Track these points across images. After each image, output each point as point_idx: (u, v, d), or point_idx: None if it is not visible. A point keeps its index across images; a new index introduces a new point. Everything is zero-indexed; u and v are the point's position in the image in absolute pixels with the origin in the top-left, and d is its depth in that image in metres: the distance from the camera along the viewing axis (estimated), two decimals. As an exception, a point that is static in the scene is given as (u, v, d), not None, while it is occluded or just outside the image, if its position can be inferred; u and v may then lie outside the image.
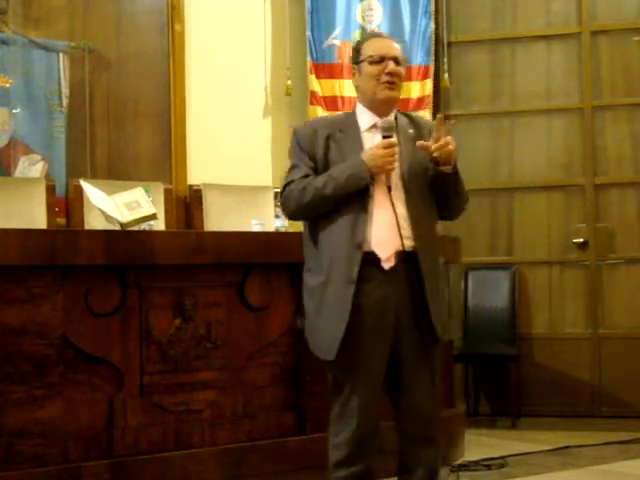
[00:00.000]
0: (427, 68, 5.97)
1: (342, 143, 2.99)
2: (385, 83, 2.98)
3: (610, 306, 5.87)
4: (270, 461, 3.80)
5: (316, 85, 5.81)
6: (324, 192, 2.91)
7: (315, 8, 5.86)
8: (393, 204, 2.90)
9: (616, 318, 5.86)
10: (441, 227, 6.20)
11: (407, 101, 5.91)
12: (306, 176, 2.98)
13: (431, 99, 5.97)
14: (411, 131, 3.04)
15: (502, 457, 4.56)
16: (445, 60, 6.07)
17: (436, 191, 3.02)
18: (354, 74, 3.09)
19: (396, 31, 5.95)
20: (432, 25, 6.00)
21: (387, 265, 2.90)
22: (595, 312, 5.88)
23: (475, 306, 5.94)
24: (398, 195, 2.94)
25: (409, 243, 2.92)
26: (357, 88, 3.10)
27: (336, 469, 2.99)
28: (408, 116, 3.13)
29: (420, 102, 5.92)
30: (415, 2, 5.99)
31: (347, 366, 2.92)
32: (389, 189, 2.91)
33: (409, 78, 5.93)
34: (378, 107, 3.02)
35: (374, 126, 3.01)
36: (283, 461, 3.83)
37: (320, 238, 2.97)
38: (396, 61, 3.00)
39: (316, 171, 2.99)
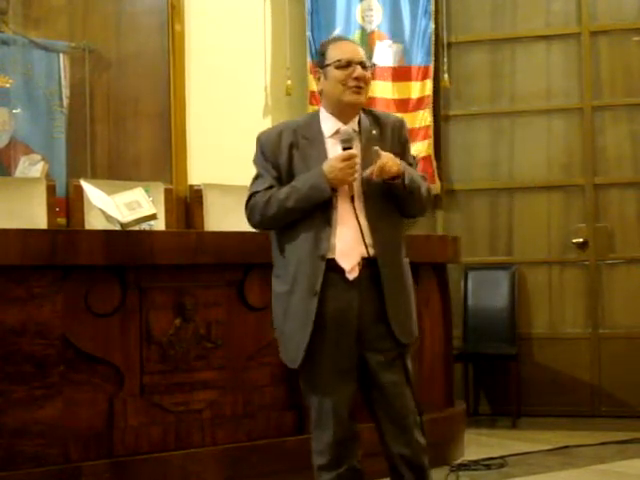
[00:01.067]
0: (427, 68, 5.97)
1: (306, 151, 2.97)
2: (352, 87, 2.95)
3: (610, 306, 5.88)
4: (270, 461, 3.81)
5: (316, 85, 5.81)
6: (287, 204, 2.92)
7: (315, 8, 5.87)
8: (356, 213, 2.91)
9: (616, 318, 5.86)
10: (441, 227, 6.24)
11: (407, 101, 5.92)
12: (270, 187, 2.98)
13: (431, 99, 5.97)
14: (374, 132, 3.02)
15: (502, 457, 4.57)
16: (445, 60, 6.07)
17: (396, 196, 3.00)
18: (318, 78, 3.05)
19: (396, 31, 5.96)
20: (432, 25, 6.00)
21: (351, 276, 2.92)
22: (595, 312, 5.89)
23: (475, 306, 5.95)
24: (361, 203, 2.94)
25: (372, 251, 2.93)
26: (321, 92, 3.06)
27: (321, 473, 3.00)
28: (373, 115, 3.10)
29: (420, 102, 5.93)
30: (415, 2, 5.99)
31: (314, 373, 2.95)
32: (352, 199, 2.92)
33: (409, 78, 5.94)
34: (342, 111, 2.99)
35: (338, 132, 2.98)
36: (283, 461, 3.83)
37: (285, 248, 2.98)
38: (362, 65, 2.98)
39: (280, 180, 2.99)
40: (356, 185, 2.93)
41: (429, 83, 5.97)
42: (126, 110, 5.46)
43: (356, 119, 3.02)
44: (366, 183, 2.94)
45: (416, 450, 3.01)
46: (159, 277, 3.67)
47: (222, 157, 5.62)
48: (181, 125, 5.57)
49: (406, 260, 3.07)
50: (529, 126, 6.07)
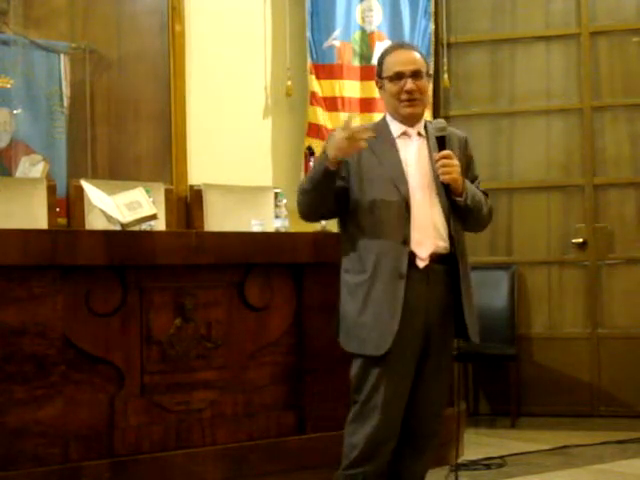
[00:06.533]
0: (427, 69, 5.97)
1: (376, 147, 3.02)
2: (405, 101, 3.02)
3: (609, 306, 5.89)
4: (270, 461, 3.81)
5: (316, 86, 5.82)
6: (305, 187, 3.01)
7: (315, 9, 5.87)
8: (432, 206, 2.99)
9: (615, 318, 5.87)
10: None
11: (407, 101, 5.92)
12: None
13: (431, 99, 5.97)
14: (446, 133, 3.10)
15: (501, 456, 4.58)
16: (445, 61, 6.08)
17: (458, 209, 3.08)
18: (379, 88, 3.14)
19: (396, 32, 5.97)
20: (432, 26, 6.02)
21: (422, 264, 2.96)
22: (594, 312, 5.90)
23: (475, 306, 5.94)
24: (435, 199, 3.01)
25: (445, 245, 3.00)
26: (383, 101, 3.17)
27: (349, 468, 2.99)
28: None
29: (420, 102, 5.93)
30: (415, 3, 6.00)
31: (382, 362, 2.93)
32: (429, 194, 2.99)
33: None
34: (404, 120, 3.08)
35: (404, 133, 3.08)
36: (283, 461, 3.84)
37: (362, 237, 3.00)
38: (415, 74, 3.03)
39: (345, 179, 3.02)
40: (431, 180, 3.01)
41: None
42: (126, 110, 5.46)
43: (421, 124, 3.11)
44: (441, 181, 3.00)
45: (433, 444, 3.13)
46: (159, 277, 3.67)
47: (222, 157, 5.63)
48: (181, 125, 5.58)
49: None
50: (529, 126, 6.08)
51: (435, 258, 2.98)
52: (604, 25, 5.97)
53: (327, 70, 5.85)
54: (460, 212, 3.03)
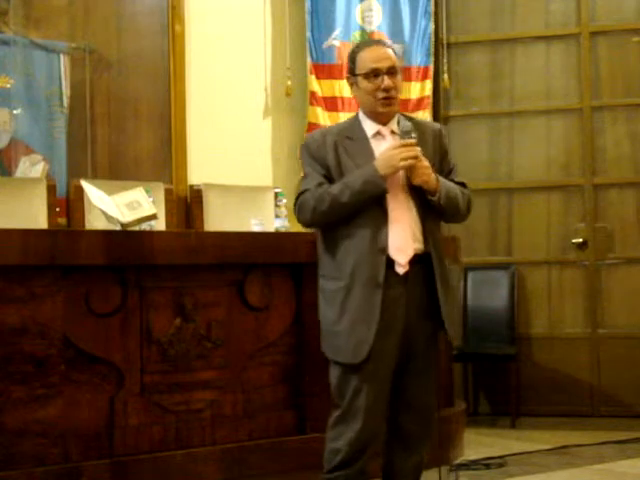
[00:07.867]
0: (427, 69, 5.99)
1: (350, 150, 3.00)
2: (381, 100, 2.99)
3: (609, 306, 5.89)
4: (270, 461, 3.81)
5: (316, 86, 5.82)
6: (341, 199, 2.93)
7: (315, 9, 5.88)
8: (408, 210, 2.96)
9: (615, 318, 5.88)
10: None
11: (407, 102, 5.93)
12: (320, 184, 2.99)
13: (430, 100, 5.98)
14: (414, 135, 3.04)
15: (501, 456, 4.59)
16: (445, 61, 6.08)
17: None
18: (351, 84, 3.09)
19: (396, 32, 5.97)
20: (432, 26, 6.02)
21: (402, 270, 2.93)
22: (594, 312, 5.90)
23: (474, 306, 5.96)
24: (411, 200, 2.98)
25: (420, 246, 2.96)
26: (356, 98, 3.12)
27: (331, 472, 3.02)
28: (411, 119, 3.14)
29: (419, 103, 5.94)
30: (415, 3, 6.01)
31: (361, 367, 2.93)
32: (403, 195, 2.96)
33: (409, 79, 5.95)
34: (378, 118, 3.04)
35: (378, 133, 3.04)
36: (283, 461, 3.84)
37: (339, 243, 2.98)
38: (391, 71, 2.99)
39: (328, 178, 3.01)
40: (406, 182, 2.97)
41: (429, 84, 5.99)
42: (126, 110, 5.47)
43: (394, 120, 3.06)
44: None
45: (426, 446, 3.11)
46: (159, 277, 3.67)
47: (222, 157, 5.63)
48: (181, 125, 5.58)
49: (447, 260, 3.12)
50: (528, 126, 6.08)
51: (414, 260, 2.96)
52: (604, 25, 5.98)
53: (327, 70, 5.86)
54: (435, 209, 3.00)
